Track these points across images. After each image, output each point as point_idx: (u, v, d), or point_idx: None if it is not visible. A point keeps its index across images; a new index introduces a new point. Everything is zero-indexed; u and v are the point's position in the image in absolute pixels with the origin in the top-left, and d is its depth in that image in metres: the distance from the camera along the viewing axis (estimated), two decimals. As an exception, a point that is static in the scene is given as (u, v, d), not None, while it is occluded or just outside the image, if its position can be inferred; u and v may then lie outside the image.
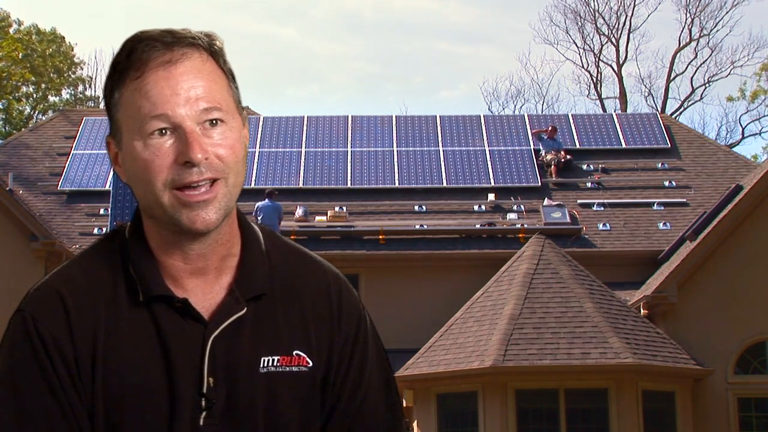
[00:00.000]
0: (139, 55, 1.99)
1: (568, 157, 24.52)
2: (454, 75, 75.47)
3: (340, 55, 79.00)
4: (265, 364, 2.06)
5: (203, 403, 2.02)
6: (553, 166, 24.18)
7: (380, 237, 22.14)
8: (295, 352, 2.09)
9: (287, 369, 2.08)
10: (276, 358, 2.07)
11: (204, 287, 2.08)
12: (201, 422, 2.02)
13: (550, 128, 24.99)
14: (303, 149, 25.07)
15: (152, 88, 1.98)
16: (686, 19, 46.40)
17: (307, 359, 2.10)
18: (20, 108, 44.37)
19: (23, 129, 31.33)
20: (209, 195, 1.98)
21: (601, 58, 46.12)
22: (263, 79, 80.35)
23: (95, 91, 46.67)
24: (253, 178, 23.91)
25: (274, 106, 79.36)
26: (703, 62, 45.97)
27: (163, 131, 1.98)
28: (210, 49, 2.04)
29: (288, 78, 79.73)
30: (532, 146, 24.82)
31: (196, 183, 1.97)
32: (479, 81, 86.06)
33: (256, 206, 21.43)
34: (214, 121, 2.00)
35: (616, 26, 45.73)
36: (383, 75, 78.71)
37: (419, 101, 74.94)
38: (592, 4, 45.87)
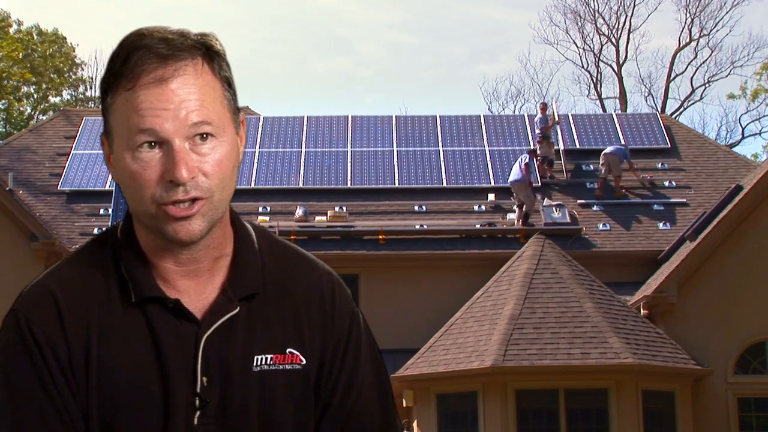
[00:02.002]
0: (133, 65, 1.98)
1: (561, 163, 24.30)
2: (497, 46, 72.36)
3: (379, 24, 74.72)
4: (259, 363, 2.07)
5: (197, 402, 2.03)
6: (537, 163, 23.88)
7: (380, 237, 22.14)
8: (288, 351, 2.09)
9: (280, 367, 2.08)
10: (269, 356, 2.08)
11: (197, 288, 2.08)
12: (195, 421, 2.02)
13: (540, 105, 24.98)
14: (303, 149, 25.07)
15: (142, 102, 1.97)
16: (686, 19, 46.47)
17: (301, 357, 2.10)
18: (20, 108, 44.37)
19: (23, 129, 31.33)
20: (193, 210, 1.99)
21: (601, 58, 46.18)
22: (293, 51, 76.81)
23: (95, 92, 46.71)
24: (253, 178, 23.91)
25: (301, 79, 76.09)
26: (703, 62, 46.05)
27: (152, 144, 1.98)
28: (207, 54, 2.03)
29: (319, 50, 76.24)
30: (531, 146, 24.80)
31: (181, 201, 1.98)
32: (489, 79, 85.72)
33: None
34: (204, 135, 2.00)
35: (616, 26, 45.80)
36: (421, 46, 74.60)
37: (455, 76, 71.67)
38: (592, 4, 45.94)
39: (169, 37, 2.00)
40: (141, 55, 1.98)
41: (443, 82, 73.82)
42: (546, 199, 23.26)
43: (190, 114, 1.98)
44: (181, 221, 1.99)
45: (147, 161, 1.98)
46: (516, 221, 22.47)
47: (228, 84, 2.06)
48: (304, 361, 2.10)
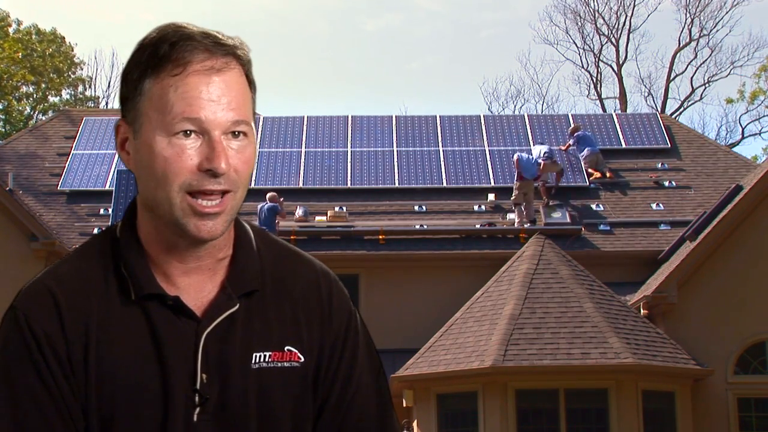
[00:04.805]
0: (182, 53, 2.00)
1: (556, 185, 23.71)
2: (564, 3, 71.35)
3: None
4: (257, 360, 2.08)
5: (197, 399, 2.04)
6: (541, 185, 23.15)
7: (380, 237, 22.14)
8: (286, 348, 2.11)
9: (279, 364, 2.10)
10: (268, 353, 2.09)
11: (197, 285, 2.10)
12: (195, 418, 2.04)
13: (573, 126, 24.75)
14: (303, 149, 25.08)
15: (191, 90, 1.99)
16: (686, 19, 46.49)
17: (299, 355, 2.12)
18: (20, 108, 44.36)
19: (23, 129, 31.34)
20: (220, 207, 2.01)
21: (601, 58, 46.18)
22: (341, 6, 73.53)
23: (95, 91, 46.73)
24: (253, 178, 23.89)
25: (349, 39, 72.95)
26: (703, 62, 46.06)
27: (188, 133, 1.99)
28: (239, 56, 2.05)
29: (370, 3, 72.70)
30: (531, 146, 24.79)
31: (211, 192, 1.99)
32: (480, 81, 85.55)
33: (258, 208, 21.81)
34: (237, 133, 2.02)
35: (616, 26, 45.80)
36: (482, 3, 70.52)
37: (515, 36, 69.61)
38: (592, 4, 45.95)
39: (209, 33, 2.03)
40: (190, 45, 2.00)
41: (503, 41, 69.85)
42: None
43: (233, 111, 2.01)
44: (205, 219, 2.01)
45: (183, 148, 1.99)
46: (517, 221, 22.31)
47: (254, 89, 2.10)
48: (302, 359, 2.12)
